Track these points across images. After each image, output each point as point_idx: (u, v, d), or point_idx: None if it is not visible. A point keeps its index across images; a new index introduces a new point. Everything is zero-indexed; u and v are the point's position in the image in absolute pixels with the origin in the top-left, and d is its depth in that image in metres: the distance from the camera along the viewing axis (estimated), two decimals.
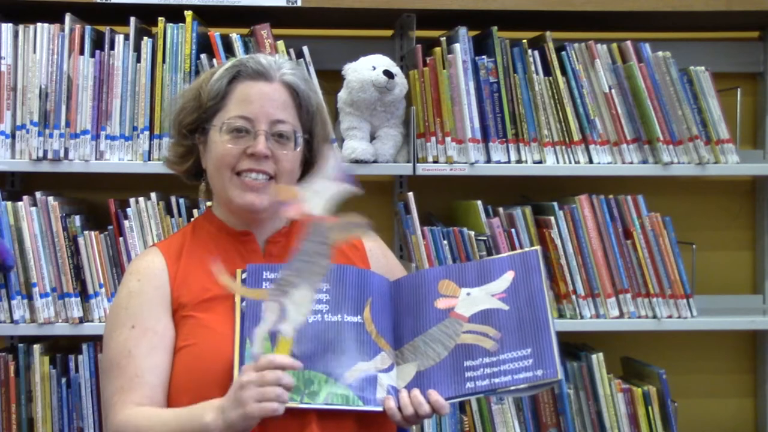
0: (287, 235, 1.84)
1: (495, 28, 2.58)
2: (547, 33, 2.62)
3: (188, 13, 2.50)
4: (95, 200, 2.73)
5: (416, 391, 1.66)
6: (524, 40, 2.61)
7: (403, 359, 1.71)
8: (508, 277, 1.73)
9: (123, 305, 1.76)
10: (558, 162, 2.60)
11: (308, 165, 1.84)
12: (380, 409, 1.66)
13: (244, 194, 1.75)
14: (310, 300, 1.60)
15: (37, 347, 2.47)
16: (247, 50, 2.51)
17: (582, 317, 2.59)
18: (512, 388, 1.65)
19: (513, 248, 2.56)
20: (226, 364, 1.67)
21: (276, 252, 1.81)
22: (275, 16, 2.59)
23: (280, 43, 2.52)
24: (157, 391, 1.70)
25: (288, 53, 2.52)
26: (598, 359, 2.59)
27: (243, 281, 1.72)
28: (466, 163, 2.57)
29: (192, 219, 2.45)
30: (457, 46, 2.55)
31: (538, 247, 1.78)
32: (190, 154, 1.84)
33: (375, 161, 2.57)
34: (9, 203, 2.45)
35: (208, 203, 1.90)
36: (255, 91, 1.77)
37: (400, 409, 1.66)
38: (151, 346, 1.71)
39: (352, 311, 1.71)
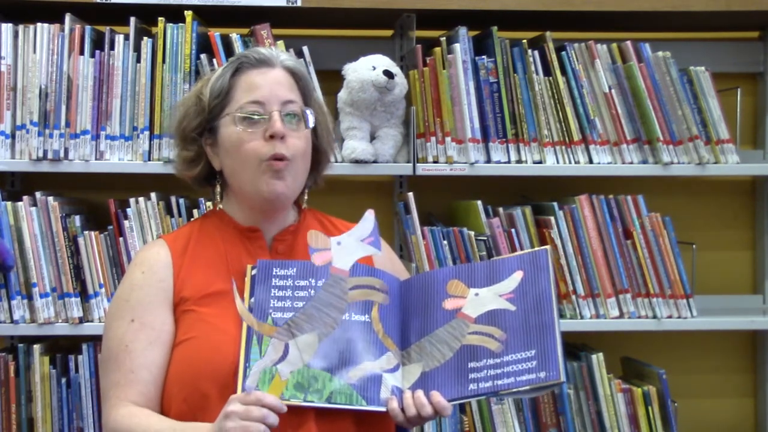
0: (294, 233, 1.84)
1: (495, 28, 2.58)
2: (547, 33, 2.62)
3: (188, 13, 2.50)
4: (95, 200, 2.73)
5: (419, 393, 1.66)
6: (524, 40, 2.61)
7: (409, 360, 1.71)
8: (517, 277, 1.73)
9: (125, 297, 1.77)
10: (558, 162, 2.60)
11: (315, 152, 1.85)
12: (383, 409, 1.66)
13: (272, 182, 1.75)
14: (314, 347, 1.64)
15: (37, 347, 2.47)
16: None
17: (582, 317, 2.59)
18: (515, 390, 1.64)
19: (513, 248, 2.56)
20: (223, 359, 1.68)
21: (282, 249, 1.82)
22: (275, 16, 2.59)
23: (280, 43, 2.52)
24: (150, 387, 1.72)
25: (288, 53, 2.52)
26: (598, 359, 2.59)
27: (253, 277, 1.73)
28: (466, 163, 2.57)
29: (192, 218, 2.45)
30: (457, 46, 2.55)
31: (548, 247, 1.76)
32: (198, 158, 1.84)
33: (375, 161, 2.57)
34: (9, 203, 2.45)
35: (219, 206, 1.87)
36: (261, 76, 1.79)
37: (403, 410, 1.66)
38: (148, 341, 1.73)
39: (360, 310, 1.71)
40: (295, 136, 1.77)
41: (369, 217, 1.79)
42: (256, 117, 1.76)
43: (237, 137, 1.76)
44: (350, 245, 1.75)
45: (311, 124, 1.81)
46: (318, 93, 1.90)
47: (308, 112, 1.81)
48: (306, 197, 1.89)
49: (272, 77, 1.79)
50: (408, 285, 1.78)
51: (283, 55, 1.84)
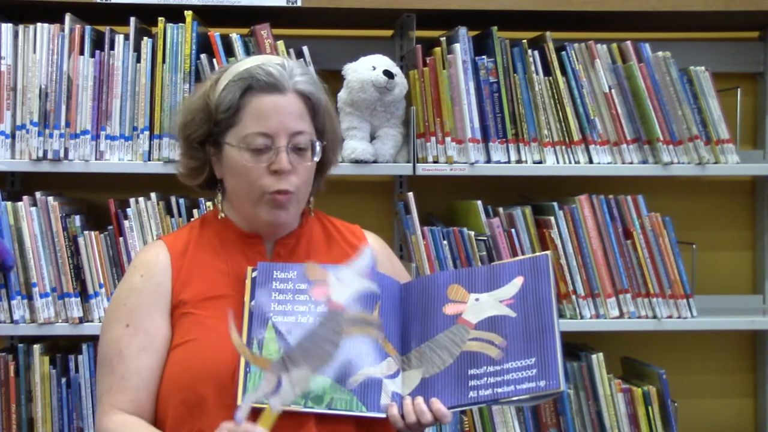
0: (297, 237, 1.83)
1: (495, 28, 2.58)
2: (547, 33, 2.62)
3: (188, 13, 2.50)
4: (95, 200, 2.73)
5: (419, 399, 1.66)
6: (524, 40, 2.60)
7: (409, 365, 1.70)
8: (518, 282, 1.72)
9: (123, 300, 1.77)
10: (558, 162, 2.60)
11: (321, 164, 1.83)
12: (383, 415, 1.66)
13: (274, 212, 1.74)
14: (307, 382, 1.61)
15: (37, 347, 2.47)
16: (247, 50, 2.51)
17: (582, 317, 2.59)
18: (514, 398, 1.64)
19: (513, 248, 2.56)
20: (223, 362, 1.67)
21: (284, 254, 1.80)
22: (275, 16, 2.59)
23: (280, 43, 2.52)
24: (141, 394, 1.72)
25: (288, 53, 2.52)
26: (598, 359, 2.59)
27: (253, 279, 1.72)
28: (466, 163, 2.57)
29: (192, 218, 2.45)
30: (457, 46, 2.55)
31: (548, 252, 1.76)
32: (203, 167, 1.81)
33: (375, 161, 2.57)
34: (9, 203, 2.45)
35: (221, 215, 1.84)
36: (270, 105, 1.73)
37: (402, 416, 1.66)
38: (141, 347, 1.72)
39: None
40: (300, 169, 1.74)
41: (366, 252, 1.72)
42: (263, 149, 1.72)
43: (242, 166, 1.73)
44: (347, 279, 1.69)
45: (317, 158, 1.77)
46: (328, 100, 1.85)
47: (316, 143, 1.77)
48: (311, 205, 1.87)
49: (282, 106, 1.73)
50: (408, 288, 1.78)
51: (297, 74, 1.76)
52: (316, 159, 1.77)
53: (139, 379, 1.71)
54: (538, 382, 1.63)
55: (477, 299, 1.72)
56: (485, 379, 1.66)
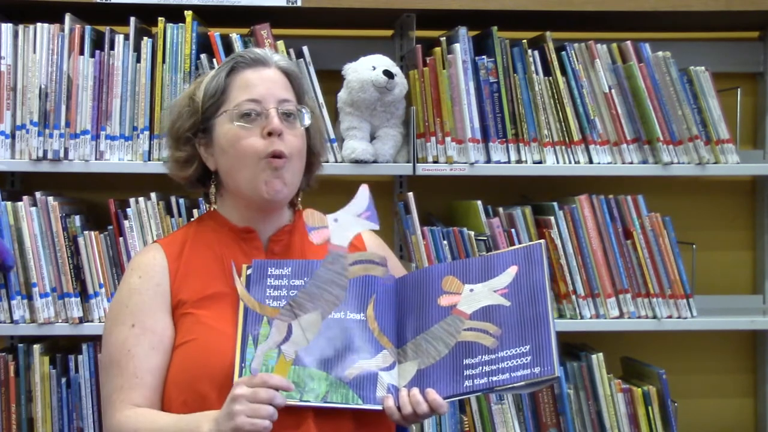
0: (290, 233, 1.84)
1: (495, 28, 2.58)
2: (547, 33, 2.62)
3: (188, 13, 2.50)
4: (95, 200, 2.73)
5: (415, 390, 1.66)
6: (524, 40, 2.61)
7: (405, 357, 1.71)
8: (512, 272, 1.72)
9: (124, 302, 1.77)
10: (558, 162, 2.60)
11: (308, 153, 1.85)
12: (379, 407, 1.66)
13: (271, 180, 1.75)
14: (317, 326, 1.64)
15: (37, 347, 2.47)
16: None
17: (582, 317, 2.59)
18: (510, 386, 1.64)
19: None
20: (223, 361, 1.68)
21: (278, 250, 1.82)
22: (275, 16, 2.59)
23: (280, 43, 2.52)
24: (153, 392, 1.72)
25: (288, 53, 2.53)
26: (598, 359, 2.59)
27: (248, 277, 1.73)
28: (466, 163, 2.57)
29: (192, 218, 2.46)
30: (457, 46, 2.55)
31: (542, 241, 1.76)
32: (191, 159, 1.83)
33: (375, 161, 2.57)
34: (9, 203, 2.45)
35: (214, 206, 1.87)
36: (256, 75, 1.80)
37: (399, 408, 1.66)
38: (150, 346, 1.73)
39: (356, 308, 1.71)
40: (291, 134, 1.78)
41: (363, 191, 1.74)
42: (253, 114, 1.76)
43: (234, 134, 1.76)
44: (347, 221, 1.72)
45: (307, 122, 1.82)
46: (310, 94, 1.91)
47: (304, 110, 1.82)
48: (300, 198, 1.89)
49: (267, 76, 1.80)
50: (403, 282, 1.78)
51: (277, 56, 1.85)
52: (307, 123, 1.81)
53: (151, 377, 1.72)
54: (533, 368, 1.63)
55: (471, 290, 1.73)
56: (480, 368, 1.66)
